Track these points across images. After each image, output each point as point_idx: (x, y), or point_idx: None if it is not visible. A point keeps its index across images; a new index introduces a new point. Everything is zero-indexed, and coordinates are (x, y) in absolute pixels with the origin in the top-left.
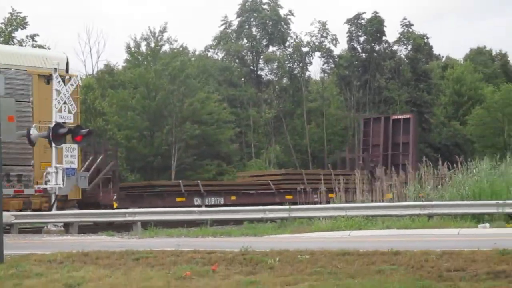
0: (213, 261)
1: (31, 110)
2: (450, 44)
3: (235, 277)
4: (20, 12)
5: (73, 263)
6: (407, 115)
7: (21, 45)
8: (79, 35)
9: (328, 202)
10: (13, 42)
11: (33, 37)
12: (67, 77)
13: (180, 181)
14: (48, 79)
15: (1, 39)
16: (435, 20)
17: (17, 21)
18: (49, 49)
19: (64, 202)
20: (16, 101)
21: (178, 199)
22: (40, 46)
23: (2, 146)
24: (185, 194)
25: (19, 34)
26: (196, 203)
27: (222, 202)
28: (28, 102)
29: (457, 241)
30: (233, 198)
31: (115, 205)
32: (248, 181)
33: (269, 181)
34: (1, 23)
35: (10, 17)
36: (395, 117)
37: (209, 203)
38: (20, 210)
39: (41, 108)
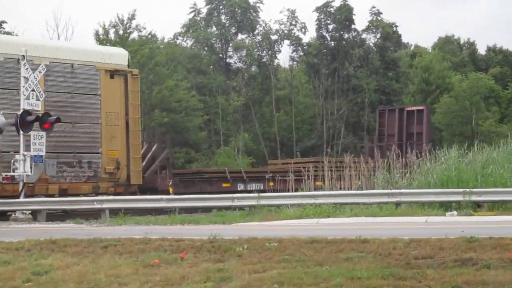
0: (181, 248)
1: (99, 102)
2: (419, 32)
3: (203, 265)
4: None
5: (40, 251)
6: (421, 107)
7: None
8: (47, 22)
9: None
10: None
11: (0, 24)
12: (129, 73)
13: (226, 168)
14: (112, 74)
15: None
16: (403, 9)
17: None
18: (17, 35)
19: (126, 187)
20: (87, 94)
21: (224, 185)
22: (8, 33)
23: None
24: (230, 180)
25: None
26: (239, 189)
27: (261, 188)
28: (97, 95)
29: (424, 229)
30: (271, 184)
31: (171, 190)
32: (284, 168)
33: (301, 167)
34: None
35: None
36: (409, 108)
37: (251, 188)
38: (90, 194)
39: (107, 100)
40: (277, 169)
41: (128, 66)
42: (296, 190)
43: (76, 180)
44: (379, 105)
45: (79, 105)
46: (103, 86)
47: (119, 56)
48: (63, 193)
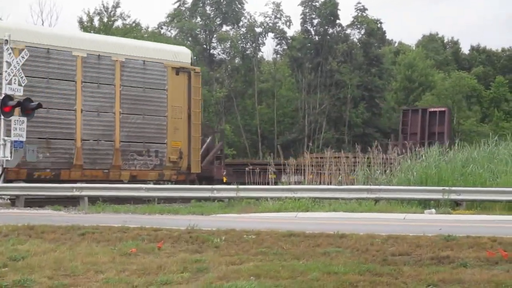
0: (159, 238)
1: (166, 96)
2: (403, 30)
3: (181, 255)
4: None
5: (18, 237)
6: (443, 108)
7: None
8: (32, 8)
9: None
10: None
11: None
12: (192, 70)
13: (271, 161)
14: (178, 71)
15: None
16: (388, 5)
17: None
18: (1, 19)
19: (187, 175)
20: (156, 89)
21: (270, 176)
22: None
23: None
24: (276, 172)
25: None
26: (283, 180)
27: (302, 180)
28: (164, 90)
29: (402, 225)
30: (311, 176)
31: (225, 179)
32: (319, 161)
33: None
34: None
35: None
36: (432, 109)
37: (293, 180)
38: (155, 181)
39: (173, 95)
40: (315, 163)
41: (191, 64)
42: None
43: (145, 167)
44: (402, 106)
45: (149, 99)
46: (170, 82)
47: (183, 55)
48: (132, 179)
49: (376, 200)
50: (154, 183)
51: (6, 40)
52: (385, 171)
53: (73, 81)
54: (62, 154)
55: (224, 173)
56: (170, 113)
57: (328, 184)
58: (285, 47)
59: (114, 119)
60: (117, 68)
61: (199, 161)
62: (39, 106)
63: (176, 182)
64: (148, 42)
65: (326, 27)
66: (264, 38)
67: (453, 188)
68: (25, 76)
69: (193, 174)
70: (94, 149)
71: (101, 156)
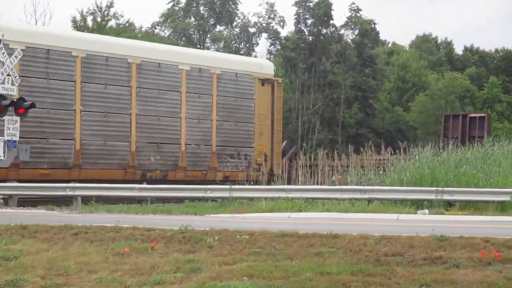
0: (152, 238)
1: (254, 105)
2: (397, 30)
3: (174, 255)
4: None
5: (11, 236)
6: (482, 114)
7: None
8: (25, 7)
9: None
10: None
11: None
12: (275, 81)
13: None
14: (263, 82)
15: None
16: (382, 6)
17: None
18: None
19: (269, 176)
20: (246, 98)
21: (337, 177)
22: None
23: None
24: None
25: None
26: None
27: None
28: (252, 99)
29: (396, 226)
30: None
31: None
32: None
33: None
34: None
35: None
36: (472, 115)
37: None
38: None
39: (259, 104)
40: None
41: (274, 76)
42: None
43: (235, 169)
44: (444, 112)
45: (240, 107)
46: (257, 91)
47: (267, 67)
48: (225, 179)
49: (369, 201)
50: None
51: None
52: (379, 171)
53: (179, 91)
54: (169, 157)
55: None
56: (257, 120)
57: (321, 184)
58: (279, 47)
59: (211, 125)
60: (214, 80)
61: (280, 164)
62: (32, 105)
63: (257, 182)
64: (238, 56)
65: (320, 27)
66: (258, 39)
67: (446, 189)
68: (147, 89)
69: (275, 175)
70: (195, 153)
71: (201, 158)
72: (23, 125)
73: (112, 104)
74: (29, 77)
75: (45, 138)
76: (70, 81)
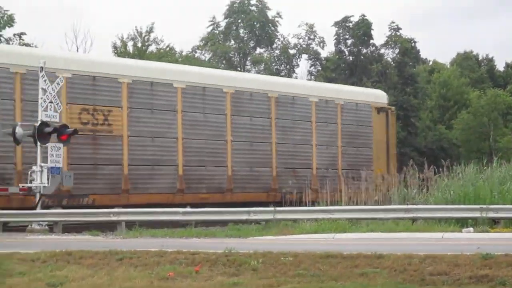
0: (196, 262)
1: (371, 131)
2: (437, 48)
3: (218, 278)
4: (7, 10)
5: (56, 263)
6: None
7: (8, 43)
8: (66, 34)
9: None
10: (0, 40)
11: (20, 35)
12: (389, 110)
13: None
14: (379, 110)
15: None
16: (422, 24)
17: (5, 19)
18: (36, 47)
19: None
20: (364, 125)
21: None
22: (27, 45)
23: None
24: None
25: (6, 33)
26: None
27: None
28: (370, 126)
29: (440, 245)
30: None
31: None
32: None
33: None
34: None
35: None
36: None
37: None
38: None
39: (376, 130)
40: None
41: (387, 104)
42: (313, 204)
43: (357, 190)
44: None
45: (360, 134)
46: (374, 119)
47: (382, 97)
48: (349, 200)
49: (414, 220)
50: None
51: (41, 67)
52: (422, 190)
53: (309, 121)
54: (303, 180)
55: None
56: (375, 145)
57: (365, 204)
58: (319, 68)
59: (337, 151)
60: (338, 110)
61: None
62: (75, 132)
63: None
64: (358, 88)
65: (360, 47)
66: (298, 60)
67: (491, 206)
68: (284, 120)
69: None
70: (324, 176)
71: (330, 181)
72: (190, 154)
73: (256, 134)
74: (188, 111)
75: (203, 166)
76: (222, 114)
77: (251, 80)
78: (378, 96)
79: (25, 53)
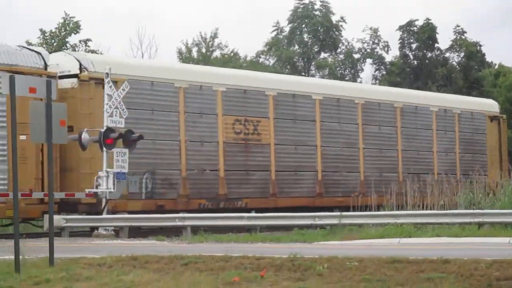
0: (261, 267)
1: (485, 139)
2: (503, 51)
3: (284, 283)
4: (73, 17)
5: (122, 267)
6: None
7: (74, 50)
8: (131, 40)
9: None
10: (66, 47)
11: (86, 42)
12: (501, 118)
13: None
14: (492, 118)
15: (55, 44)
16: (488, 27)
17: (71, 26)
18: (101, 53)
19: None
20: (479, 133)
21: None
22: (92, 51)
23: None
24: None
25: (72, 39)
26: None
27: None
28: (484, 134)
29: (507, 250)
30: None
31: None
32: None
33: None
34: (56, 28)
35: (63, 22)
36: None
37: None
38: None
39: (489, 137)
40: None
41: (499, 113)
42: (379, 209)
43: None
44: None
45: (475, 141)
46: (487, 127)
47: (494, 106)
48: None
49: (480, 225)
50: None
51: (107, 73)
52: (488, 194)
53: (430, 129)
54: (425, 186)
55: None
56: (489, 152)
57: (430, 209)
58: (384, 72)
59: (455, 158)
60: (456, 119)
61: None
62: (140, 137)
63: None
64: (472, 98)
65: (425, 51)
66: (363, 64)
67: None
68: (408, 128)
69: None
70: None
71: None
72: (328, 160)
73: (384, 142)
74: (325, 121)
75: (339, 171)
76: (354, 124)
77: (379, 91)
78: (491, 105)
79: (187, 70)
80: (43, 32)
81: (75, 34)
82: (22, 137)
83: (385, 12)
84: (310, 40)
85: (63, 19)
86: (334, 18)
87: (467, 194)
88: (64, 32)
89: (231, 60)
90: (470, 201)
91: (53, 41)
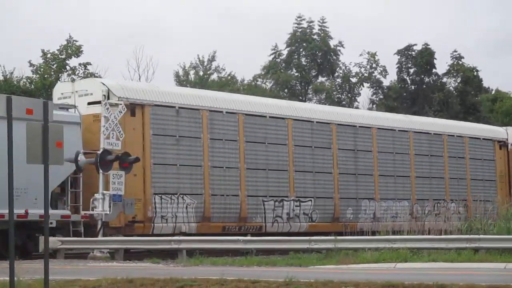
0: None
1: (494, 164)
2: (500, 76)
3: None
4: (76, 41)
5: None
6: None
7: (74, 73)
8: (129, 62)
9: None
10: (65, 69)
11: (85, 65)
12: (509, 144)
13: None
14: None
15: (55, 65)
16: (485, 53)
17: (73, 49)
18: (100, 76)
19: None
20: (488, 160)
21: None
22: (91, 74)
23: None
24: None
25: (72, 62)
26: None
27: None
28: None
29: (503, 275)
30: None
31: None
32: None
33: None
34: (57, 50)
35: (66, 44)
36: None
37: None
38: None
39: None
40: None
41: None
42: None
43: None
44: None
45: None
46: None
47: (502, 133)
48: None
49: (476, 250)
50: None
51: (104, 95)
52: (485, 220)
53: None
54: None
55: None
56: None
57: (427, 234)
58: (381, 96)
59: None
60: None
61: None
62: (137, 160)
63: None
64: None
65: (422, 76)
66: (360, 88)
67: None
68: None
69: None
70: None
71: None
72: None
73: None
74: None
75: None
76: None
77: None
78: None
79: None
80: (45, 53)
81: (76, 57)
82: None
83: (383, 36)
84: (308, 64)
85: (66, 41)
86: (332, 43)
87: (469, 221)
88: (65, 55)
89: (228, 83)
90: (470, 224)
91: (53, 62)
